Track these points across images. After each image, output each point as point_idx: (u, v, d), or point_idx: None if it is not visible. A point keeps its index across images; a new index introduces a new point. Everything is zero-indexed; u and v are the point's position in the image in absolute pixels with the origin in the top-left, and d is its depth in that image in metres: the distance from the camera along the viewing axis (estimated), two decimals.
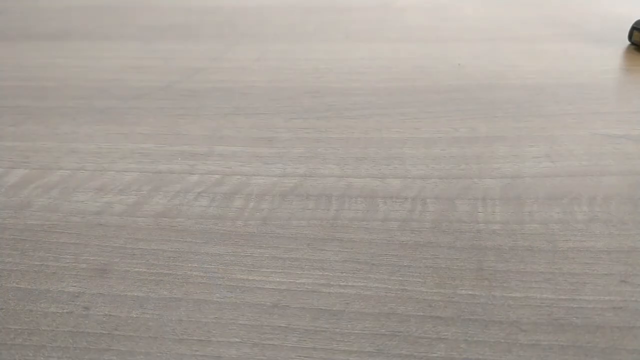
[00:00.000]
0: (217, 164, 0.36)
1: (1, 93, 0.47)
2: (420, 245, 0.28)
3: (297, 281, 0.26)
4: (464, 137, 0.38)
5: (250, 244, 0.29)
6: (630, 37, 0.50)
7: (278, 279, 0.27)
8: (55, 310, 0.25)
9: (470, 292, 0.26)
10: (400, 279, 0.26)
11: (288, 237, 0.29)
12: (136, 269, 0.27)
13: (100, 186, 0.34)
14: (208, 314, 0.25)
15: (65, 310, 0.25)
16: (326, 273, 0.27)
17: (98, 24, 0.64)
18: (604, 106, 0.41)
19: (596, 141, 0.37)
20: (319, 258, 0.28)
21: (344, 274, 0.27)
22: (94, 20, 0.65)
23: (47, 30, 0.63)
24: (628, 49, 0.49)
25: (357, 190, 0.33)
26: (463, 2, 0.67)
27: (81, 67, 0.52)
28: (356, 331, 0.24)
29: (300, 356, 0.23)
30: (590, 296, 0.25)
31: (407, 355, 0.23)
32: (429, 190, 0.33)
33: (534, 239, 0.29)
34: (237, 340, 0.24)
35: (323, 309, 0.25)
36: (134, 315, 0.25)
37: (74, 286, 0.27)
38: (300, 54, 0.53)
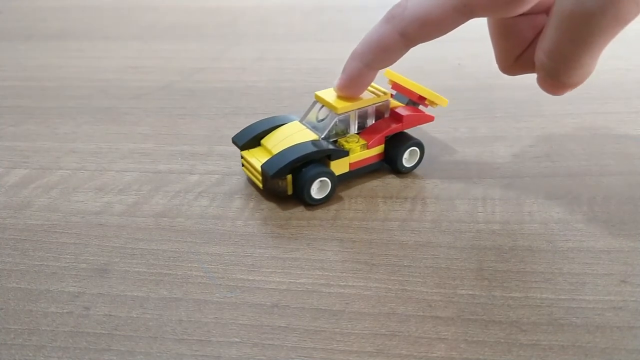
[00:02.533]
0: (217, 164, 0.36)
1: (1, 93, 0.47)
2: (420, 245, 0.28)
3: (297, 281, 0.26)
4: (464, 137, 0.38)
5: (250, 244, 0.29)
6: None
7: (278, 279, 0.27)
8: (55, 310, 0.25)
9: (470, 292, 0.26)
10: (400, 279, 0.26)
11: (288, 237, 0.29)
12: (136, 269, 0.27)
13: (100, 186, 0.34)
14: (208, 314, 0.25)
15: (65, 310, 0.25)
16: (326, 273, 0.27)
17: (98, 24, 0.64)
18: (604, 106, 0.41)
19: (596, 141, 0.37)
20: (319, 258, 0.28)
21: (344, 274, 0.27)
22: (94, 20, 0.65)
23: (47, 30, 0.63)
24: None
25: (357, 190, 0.33)
26: None
27: (81, 67, 0.52)
28: (356, 331, 0.24)
29: (300, 356, 0.23)
30: (590, 296, 0.25)
31: (407, 355, 0.23)
32: (429, 190, 0.33)
33: (534, 238, 0.29)
34: (237, 340, 0.24)
35: (323, 309, 0.25)
36: (134, 315, 0.25)
37: (74, 286, 0.27)
38: (300, 54, 0.53)
